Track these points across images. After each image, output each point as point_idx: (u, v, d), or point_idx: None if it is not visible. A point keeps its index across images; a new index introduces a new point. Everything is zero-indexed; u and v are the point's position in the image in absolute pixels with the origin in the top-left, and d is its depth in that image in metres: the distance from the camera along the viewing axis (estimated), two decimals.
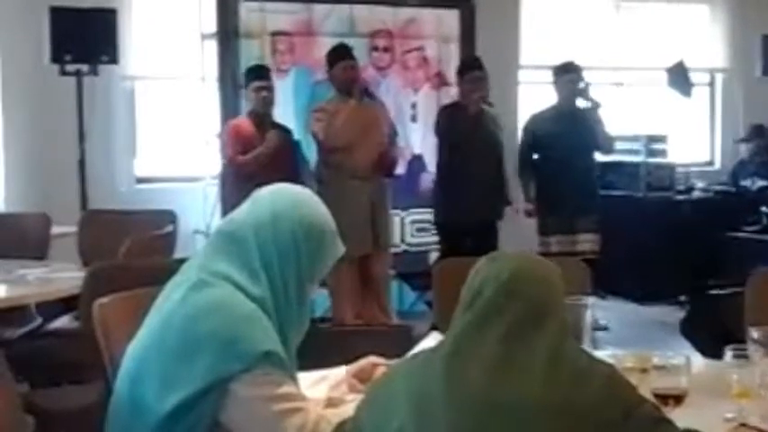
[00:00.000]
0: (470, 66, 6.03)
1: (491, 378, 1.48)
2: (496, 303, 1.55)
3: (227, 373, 1.81)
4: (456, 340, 1.55)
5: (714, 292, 5.24)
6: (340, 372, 2.20)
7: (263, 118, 5.53)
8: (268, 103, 5.56)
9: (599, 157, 7.59)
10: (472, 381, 1.49)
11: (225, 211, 5.52)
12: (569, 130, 6.07)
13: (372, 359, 2.20)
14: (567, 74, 6.20)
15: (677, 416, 1.93)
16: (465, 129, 5.77)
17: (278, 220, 1.96)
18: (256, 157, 5.29)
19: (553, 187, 6.09)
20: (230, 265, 1.93)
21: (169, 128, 7.15)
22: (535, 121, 6.30)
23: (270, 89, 5.59)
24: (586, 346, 2.10)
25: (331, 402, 2.09)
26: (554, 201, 6.08)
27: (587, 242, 6.14)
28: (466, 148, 5.77)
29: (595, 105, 6.20)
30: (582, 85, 6.18)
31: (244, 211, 2.01)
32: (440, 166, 6.07)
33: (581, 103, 6.21)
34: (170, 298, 1.95)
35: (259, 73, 5.66)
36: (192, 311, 1.87)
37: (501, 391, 1.47)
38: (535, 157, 6.28)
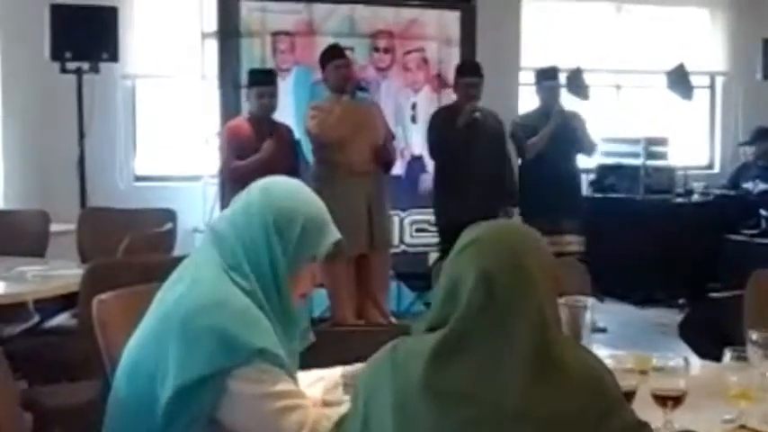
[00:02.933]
0: (466, 70, 6.02)
1: (470, 385, 1.46)
2: (475, 305, 1.50)
3: (222, 367, 1.80)
4: (437, 346, 1.51)
5: (713, 294, 5.25)
6: (335, 373, 2.19)
7: (261, 121, 5.52)
8: (268, 109, 5.55)
9: (600, 159, 7.61)
10: (452, 388, 1.47)
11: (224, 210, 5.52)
12: (552, 133, 6.10)
13: None
14: (547, 80, 6.29)
15: (676, 417, 1.93)
16: (461, 131, 5.75)
17: (250, 210, 1.96)
18: (251, 164, 5.27)
19: (537, 189, 6.10)
20: (221, 261, 1.94)
21: (169, 126, 7.16)
22: (522, 120, 6.35)
23: (271, 95, 5.56)
24: None
25: (327, 404, 2.08)
26: (538, 202, 6.09)
27: (572, 243, 6.17)
28: (464, 150, 5.76)
29: (572, 113, 6.27)
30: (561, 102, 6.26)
31: (230, 206, 2.03)
32: (439, 167, 6.06)
33: (560, 107, 6.24)
34: (167, 295, 1.95)
35: (262, 78, 5.64)
36: (189, 309, 1.86)
37: (479, 399, 1.45)
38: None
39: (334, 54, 5.50)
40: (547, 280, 1.56)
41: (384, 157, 5.45)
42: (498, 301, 1.50)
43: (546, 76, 6.31)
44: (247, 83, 5.76)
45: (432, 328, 1.56)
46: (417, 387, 1.49)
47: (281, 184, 2.04)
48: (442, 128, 5.88)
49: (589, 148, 6.38)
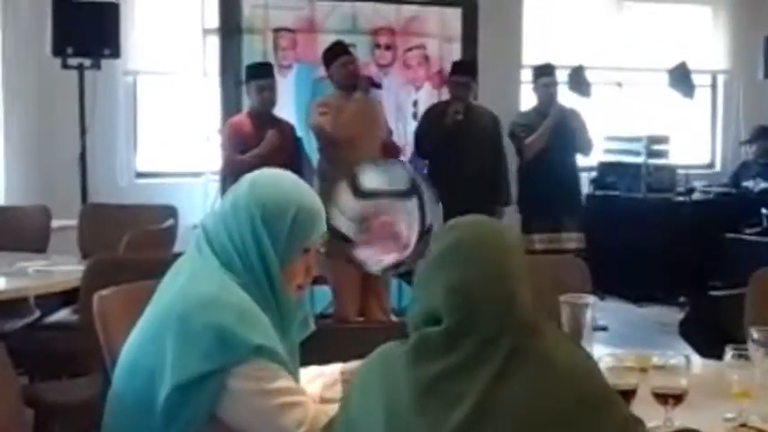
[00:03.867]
0: (455, 69, 6.03)
1: (457, 384, 1.47)
2: (456, 309, 1.51)
3: (220, 365, 1.80)
4: (423, 344, 1.52)
5: (714, 293, 5.24)
6: (334, 370, 2.18)
7: (263, 116, 5.52)
8: (269, 102, 5.55)
9: (601, 157, 7.59)
10: (440, 387, 1.48)
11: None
12: (551, 131, 6.09)
13: None
14: (542, 77, 6.29)
15: (677, 415, 1.94)
16: (447, 129, 5.75)
17: (238, 204, 1.96)
18: (252, 158, 5.26)
19: (536, 187, 6.10)
20: (214, 257, 1.94)
21: (170, 123, 7.15)
22: (520, 119, 6.34)
23: (271, 88, 5.56)
24: (586, 346, 2.10)
25: (325, 401, 2.08)
26: (538, 200, 6.09)
27: (571, 241, 6.17)
28: (451, 148, 5.74)
29: (570, 110, 6.27)
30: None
31: (222, 201, 2.04)
32: (429, 165, 6.06)
33: (558, 105, 6.24)
34: (165, 293, 1.95)
35: (260, 71, 5.64)
36: (186, 306, 1.86)
37: (466, 397, 1.45)
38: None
39: (338, 51, 5.47)
40: (525, 279, 1.56)
41: (392, 154, 5.44)
42: (480, 307, 1.51)
43: (542, 73, 6.31)
44: (245, 78, 5.75)
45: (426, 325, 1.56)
46: (406, 386, 1.49)
47: (268, 177, 2.03)
48: (429, 125, 5.89)
49: (587, 147, 6.37)
